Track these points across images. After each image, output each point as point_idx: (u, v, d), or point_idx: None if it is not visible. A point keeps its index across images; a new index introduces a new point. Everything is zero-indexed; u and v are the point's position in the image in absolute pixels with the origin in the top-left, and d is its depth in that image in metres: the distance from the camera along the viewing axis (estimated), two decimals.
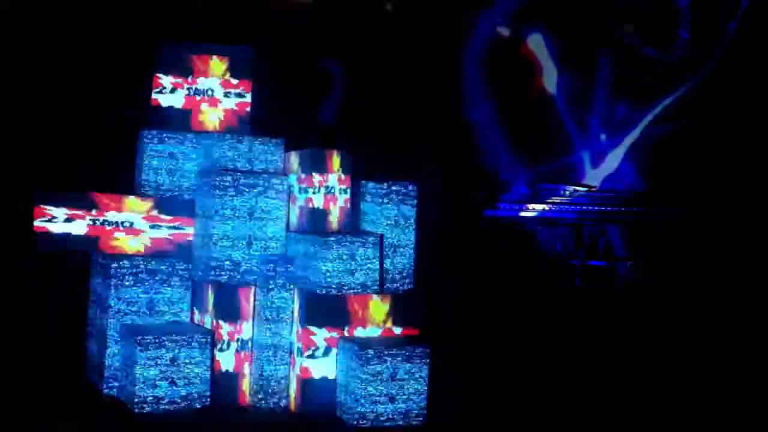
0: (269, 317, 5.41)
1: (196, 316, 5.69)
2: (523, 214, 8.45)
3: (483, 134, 8.96)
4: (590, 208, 8.30)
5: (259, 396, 5.41)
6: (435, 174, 8.47)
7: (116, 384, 5.54)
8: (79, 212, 5.64)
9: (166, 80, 5.99)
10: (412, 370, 5.20)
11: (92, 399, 5.54)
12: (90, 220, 5.66)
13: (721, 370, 6.55)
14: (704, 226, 8.24)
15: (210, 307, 5.55)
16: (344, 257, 5.35)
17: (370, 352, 5.14)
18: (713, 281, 8.04)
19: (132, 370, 5.26)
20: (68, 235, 5.64)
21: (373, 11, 8.44)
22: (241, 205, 5.56)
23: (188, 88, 6.01)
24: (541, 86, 9.03)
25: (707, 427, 5.40)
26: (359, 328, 5.38)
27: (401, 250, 5.60)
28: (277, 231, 5.63)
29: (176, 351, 5.29)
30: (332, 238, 5.35)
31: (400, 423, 5.17)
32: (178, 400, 5.30)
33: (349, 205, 5.67)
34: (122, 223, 5.71)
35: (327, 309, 5.32)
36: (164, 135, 5.83)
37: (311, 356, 5.29)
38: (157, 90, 5.98)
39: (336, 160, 5.63)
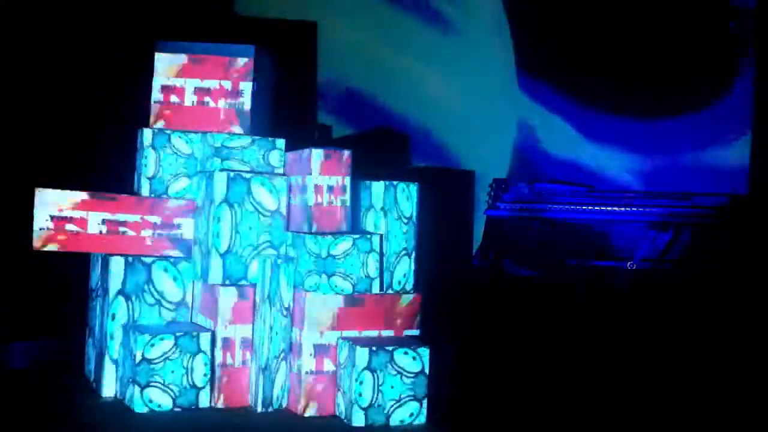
0: None
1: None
2: (523, 214, 8.43)
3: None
4: (593, 208, 8.26)
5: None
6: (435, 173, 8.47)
7: (116, 383, 5.52)
8: None
9: None
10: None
11: (92, 399, 5.51)
12: None
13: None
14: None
15: None
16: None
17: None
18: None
19: (132, 369, 5.23)
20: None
21: None
22: None
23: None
24: None
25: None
26: None
27: (402, 250, 5.57)
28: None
29: (177, 350, 5.27)
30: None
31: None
32: (179, 400, 5.28)
33: (349, 204, 5.62)
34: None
35: None
36: (163, 133, 5.80)
37: None
38: None
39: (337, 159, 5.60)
